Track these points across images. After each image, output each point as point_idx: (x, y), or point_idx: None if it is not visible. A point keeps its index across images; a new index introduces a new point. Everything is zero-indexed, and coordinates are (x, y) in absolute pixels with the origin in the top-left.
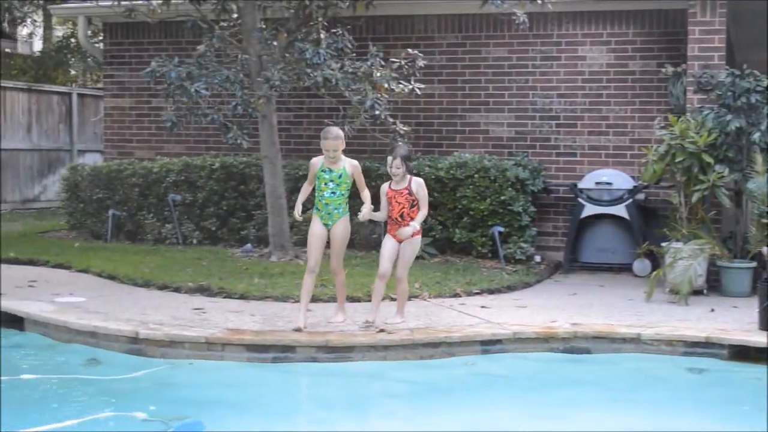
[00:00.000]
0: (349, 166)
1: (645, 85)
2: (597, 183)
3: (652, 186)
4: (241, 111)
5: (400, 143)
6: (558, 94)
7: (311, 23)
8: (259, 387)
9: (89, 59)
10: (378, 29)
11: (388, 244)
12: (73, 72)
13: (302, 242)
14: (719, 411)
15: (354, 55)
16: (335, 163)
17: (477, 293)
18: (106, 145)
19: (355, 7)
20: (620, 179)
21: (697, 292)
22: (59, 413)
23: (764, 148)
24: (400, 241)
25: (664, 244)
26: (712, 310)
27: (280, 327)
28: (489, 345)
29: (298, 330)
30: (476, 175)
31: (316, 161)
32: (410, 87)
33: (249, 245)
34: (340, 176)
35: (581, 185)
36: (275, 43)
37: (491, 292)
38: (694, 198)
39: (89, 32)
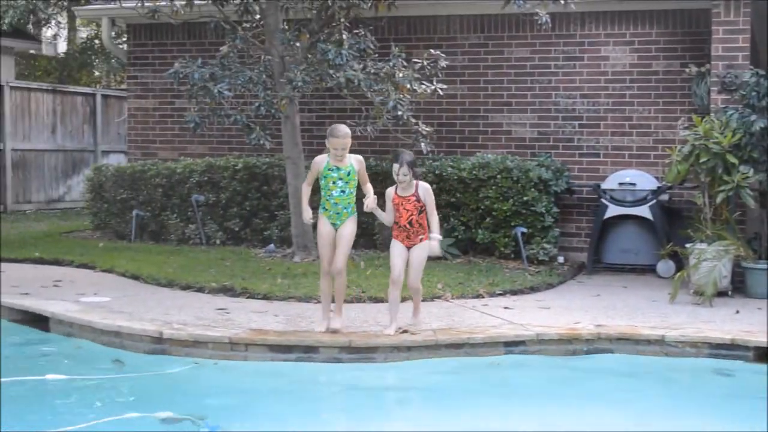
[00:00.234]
0: (356, 161)
1: (668, 86)
2: (620, 184)
3: (676, 187)
4: (263, 112)
5: (402, 149)
6: (581, 94)
7: (333, 24)
8: (283, 387)
9: (113, 60)
10: (400, 30)
11: (397, 247)
12: (97, 73)
13: None
14: (745, 413)
15: (376, 55)
16: (342, 161)
17: (500, 294)
18: (130, 146)
19: (377, 8)
20: (644, 180)
21: (721, 294)
22: (84, 413)
23: None
24: (408, 246)
25: (688, 245)
26: (737, 312)
27: (303, 327)
28: (512, 346)
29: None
30: (499, 176)
31: (320, 160)
32: (432, 87)
33: (272, 245)
34: (348, 173)
35: (604, 186)
36: (298, 44)
37: (514, 293)
38: (719, 199)
39: (113, 33)
